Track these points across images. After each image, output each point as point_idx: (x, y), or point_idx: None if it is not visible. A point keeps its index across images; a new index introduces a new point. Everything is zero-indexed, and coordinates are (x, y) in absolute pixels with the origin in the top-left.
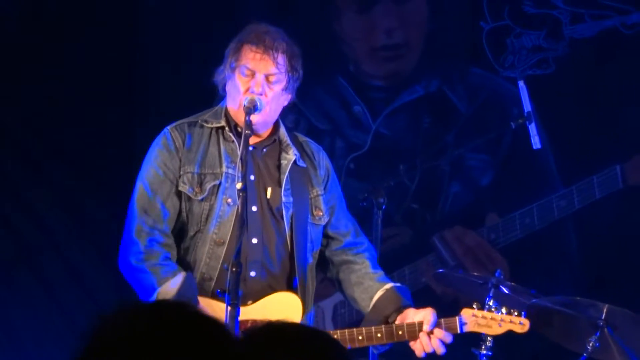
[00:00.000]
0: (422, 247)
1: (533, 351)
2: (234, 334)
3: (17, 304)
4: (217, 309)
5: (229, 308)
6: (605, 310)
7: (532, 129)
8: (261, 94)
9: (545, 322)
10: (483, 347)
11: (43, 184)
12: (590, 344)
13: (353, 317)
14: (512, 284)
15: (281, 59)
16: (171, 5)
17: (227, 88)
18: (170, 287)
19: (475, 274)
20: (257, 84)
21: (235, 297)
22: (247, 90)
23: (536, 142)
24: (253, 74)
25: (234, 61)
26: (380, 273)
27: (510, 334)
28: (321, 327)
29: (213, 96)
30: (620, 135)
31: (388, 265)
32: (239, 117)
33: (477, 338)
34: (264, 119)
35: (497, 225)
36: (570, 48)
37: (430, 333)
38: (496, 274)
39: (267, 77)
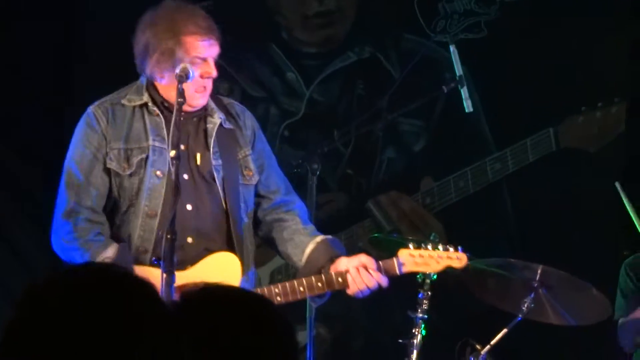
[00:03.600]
0: (357, 213)
1: (469, 314)
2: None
3: None
4: (153, 276)
5: (165, 275)
6: (539, 271)
7: (465, 92)
8: (216, 76)
9: (480, 285)
10: (419, 310)
11: None
12: (525, 305)
13: None
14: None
15: (219, 37)
16: None
17: (160, 72)
18: (104, 258)
19: (410, 237)
20: (212, 68)
21: (171, 265)
22: (204, 76)
23: (469, 106)
24: (205, 60)
25: (183, 53)
26: (312, 228)
27: (446, 298)
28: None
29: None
30: (553, 98)
31: (324, 231)
32: (167, 92)
33: (413, 302)
34: (208, 97)
35: (432, 190)
36: (502, 12)
37: (363, 269)
38: (430, 237)
39: (214, 59)
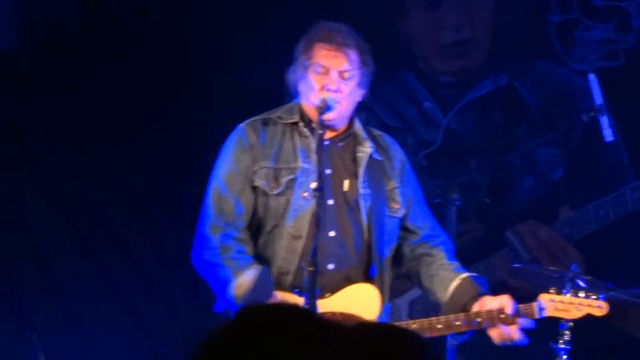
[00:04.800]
0: (495, 242)
1: (611, 345)
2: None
3: (87, 306)
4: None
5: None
6: None
7: (604, 121)
8: (337, 91)
9: (622, 315)
10: (561, 342)
11: (109, 186)
12: None
13: (429, 313)
14: (588, 277)
15: (353, 54)
16: (224, 4)
17: (300, 87)
18: (244, 279)
19: (551, 268)
20: (332, 81)
21: (312, 297)
22: (322, 87)
23: (609, 135)
24: (327, 72)
25: (306, 60)
26: (456, 264)
27: (589, 327)
28: (393, 319)
29: (269, 93)
30: None
31: (462, 261)
32: (313, 114)
33: (554, 333)
34: (340, 116)
35: (570, 219)
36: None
37: (509, 320)
38: (572, 268)
39: (341, 73)
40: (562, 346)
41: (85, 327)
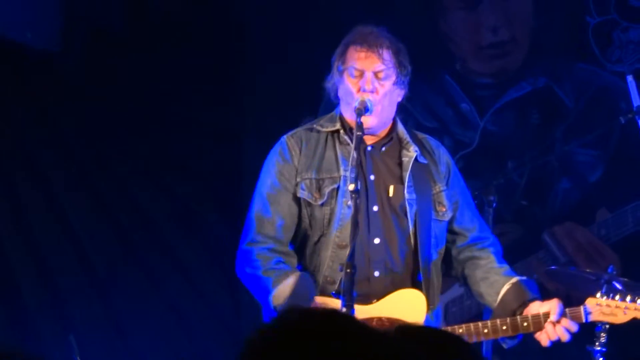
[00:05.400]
0: (532, 244)
1: None
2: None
3: (128, 304)
4: (333, 308)
5: (344, 310)
6: None
7: None
8: (372, 91)
9: None
10: (597, 344)
11: (151, 186)
12: None
13: (464, 315)
14: (625, 279)
15: (386, 54)
16: (274, 12)
17: (339, 93)
18: (283, 287)
19: (588, 270)
20: (367, 81)
21: (350, 299)
22: (358, 90)
23: None
24: (362, 74)
25: (341, 64)
26: (506, 267)
27: (624, 330)
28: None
29: (319, 98)
30: None
31: None
32: (354, 121)
33: (591, 335)
34: (378, 119)
35: (607, 221)
36: None
37: (555, 322)
38: (609, 270)
39: (375, 74)
40: (598, 348)
41: (126, 326)
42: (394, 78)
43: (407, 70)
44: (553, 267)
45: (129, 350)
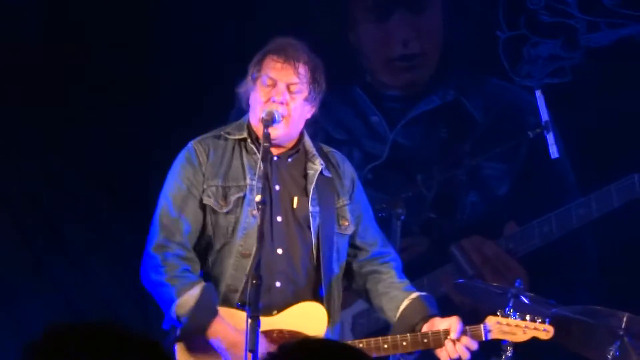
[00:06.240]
0: (440, 257)
1: None
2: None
3: (38, 314)
4: (238, 319)
5: (250, 321)
6: (625, 319)
7: (550, 138)
8: (282, 103)
9: (564, 332)
10: (503, 357)
11: (61, 193)
12: (611, 353)
13: (372, 327)
14: (532, 294)
15: (302, 69)
16: (186, 24)
17: (250, 101)
18: (187, 297)
19: (495, 284)
20: (279, 92)
21: (256, 310)
22: (268, 99)
23: (554, 152)
24: (275, 83)
25: (256, 72)
26: (406, 282)
27: (531, 342)
28: (341, 338)
29: (229, 103)
30: (637, 144)
31: (406, 275)
32: (260, 130)
33: (497, 348)
34: (285, 131)
35: (515, 235)
36: (587, 57)
37: (456, 340)
38: (516, 284)
39: (288, 86)
40: None
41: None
42: (306, 94)
43: (321, 88)
44: (460, 281)
45: None
